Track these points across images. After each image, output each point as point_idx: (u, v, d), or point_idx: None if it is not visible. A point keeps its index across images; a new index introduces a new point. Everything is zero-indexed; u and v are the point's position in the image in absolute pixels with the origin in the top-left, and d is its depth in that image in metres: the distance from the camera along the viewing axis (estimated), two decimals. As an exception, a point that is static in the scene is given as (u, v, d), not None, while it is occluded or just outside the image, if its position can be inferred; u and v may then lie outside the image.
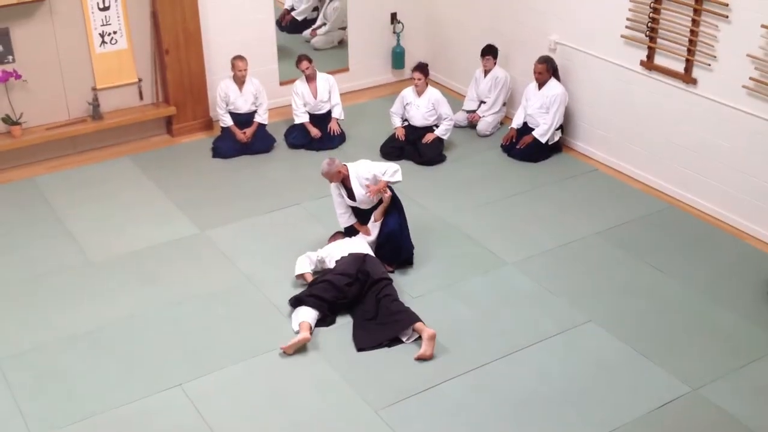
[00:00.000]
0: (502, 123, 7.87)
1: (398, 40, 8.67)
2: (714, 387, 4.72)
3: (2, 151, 7.00)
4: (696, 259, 5.89)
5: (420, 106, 7.29)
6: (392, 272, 5.68)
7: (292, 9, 9.07)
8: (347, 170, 5.65)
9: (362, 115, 8.11)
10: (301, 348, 5.02)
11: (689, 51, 6.24)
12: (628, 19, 6.63)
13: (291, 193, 6.78)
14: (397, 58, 8.73)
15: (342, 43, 8.70)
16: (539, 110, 7.19)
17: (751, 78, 5.87)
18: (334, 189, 5.75)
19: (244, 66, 7.26)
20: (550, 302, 5.45)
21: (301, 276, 5.57)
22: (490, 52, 7.66)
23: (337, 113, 7.58)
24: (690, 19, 6.17)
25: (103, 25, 7.21)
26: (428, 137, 7.28)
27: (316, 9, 9.03)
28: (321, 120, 7.55)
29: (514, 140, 7.34)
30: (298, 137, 7.53)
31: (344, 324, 5.26)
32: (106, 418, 4.54)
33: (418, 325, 5.04)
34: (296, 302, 5.26)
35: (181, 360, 4.95)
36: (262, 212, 6.52)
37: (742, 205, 6.18)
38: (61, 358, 4.98)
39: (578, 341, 5.10)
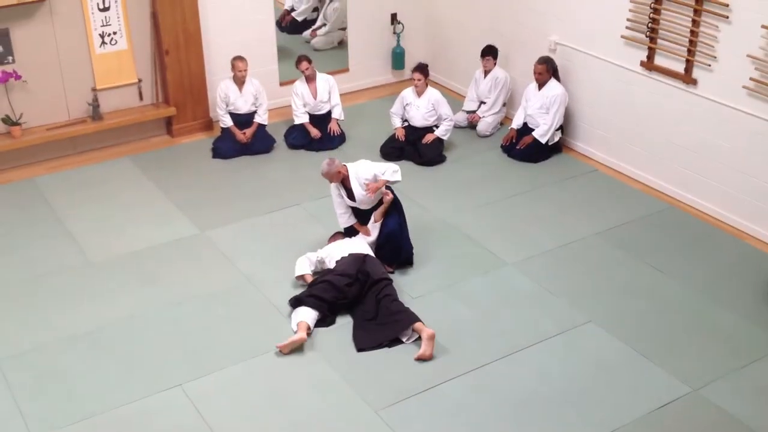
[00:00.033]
0: (502, 123, 7.87)
1: (398, 41, 8.67)
2: (714, 387, 4.72)
3: (2, 151, 7.00)
4: (696, 259, 5.89)
5: (420, 107, 7.29)
6: (392, 272, 5.68)
7: (292, 9, 9.07)
8: (347, 170, 5.64)
9: (362, 116, 8.11)
10: (300, 348, 5.02)
11: (689, 51, 6.24)
12: (628, 19, 6.63)
13: (291, 193, 6.78)
14: (397, 58, 8.73)
15: (342, 44, 8.70)
16: (539, 111, 7.19)
17: (751, 78, 5.87)
18: (334, 189, 5.75)
19: (244, 66, 7.26)
20: (550, 303, 5.45)
21: (301, 277, 5.57)
22: (490, 52, 7.66)
23: (337, 114, 7.58)
24: (690, 19, 6.17)
25: (103, 25, 7.21)
26: (428, 138, 7.28)
27: (316, 9, 9.03)
28: (321, 120, 7.55)
29: (514, 141, 7.34)
30: (298, 138, 7.53)
31: (344, 324, 5.25)
32: (106, 419, 4.53)
33: (417, 325, 5.04)
34: (296, 302, 5.26)
35: (181, 360, 4.95)
36: (262, 213, 6.51)
37: (742, 205, 6.18)
38: (61, 358, 4.98)
39: (578, 342, 5.09)
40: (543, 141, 7.19)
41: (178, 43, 7.43)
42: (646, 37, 6.53)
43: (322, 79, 7.51)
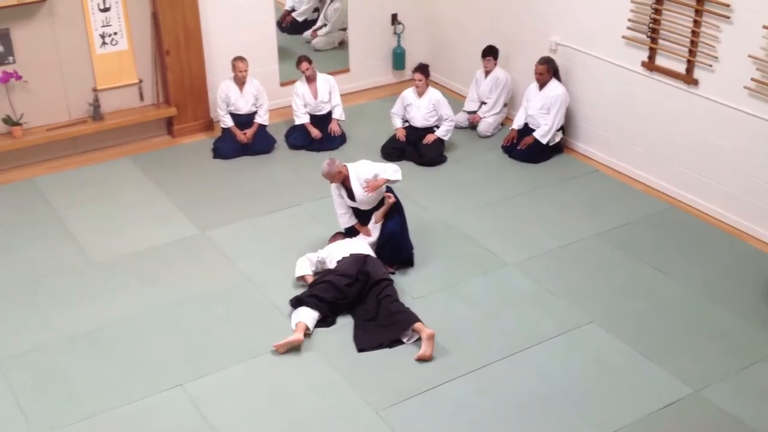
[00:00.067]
0: (502, 124, 7.86)
1: (399, 41, 8.67)
2: (716, 388, 4.71)
3: (3, 151, 7.00)
4: (697, 259, 5.88)
5: (421, 107, 7.29)
6: (393, 273, 5.67)
7: (293, 10, 9.07)
8: (347, 171, 5.64)
9: (363, 116, 8.11)
10: (297, 348, 5.01)
11: (690, 52, 6.24)
12: (629, 19, 6.62)
13: (291, 193, 6.78)
14: (398, 59, 8.73)
15: (342, 44, 8.70)
16: (540, 111, 7.19)
17: (752, 79, 5.86)
18: (335, 189, 5.75)
19: (245, 67, 7.26)
20: (550, 303, 5.44)
21: (302, 278, 5.57)
22: (490, 52, 7.66)
23: (338, 114, 7.57)
24: (691, 19, 6.16)
25: (103, 26, 7.21)
26: (429, 138, 7.28)
27: (316, 10, 9.03)
28: (321, 121, 7.55)
29: (515, 141, 7.34)
30: (299, 138, 7.53)
31: (345, 324, 5.25)
32: (107, 418, 4.53)
33: (417, 325, 5.03)
34: (297, 303, 5.26)
35: (182, 360, 4.95)
36: (262, 213, 6.51)
37: (743, 205, 6.18)
38: (62, 358, 4.98)
39: (579, 342, 5.09)
40: (544, 141, 7.18)
41: (179, 44, 7.42)
42: (647, 37, 6.53)
43: (323, 80, 7.51)
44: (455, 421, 4.51)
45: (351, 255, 5.47)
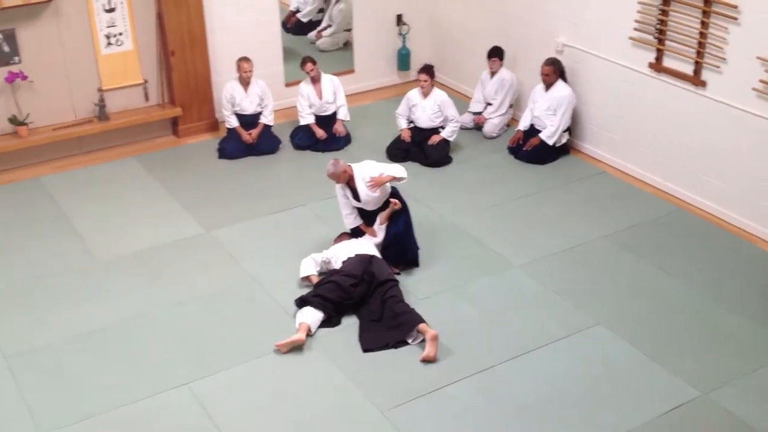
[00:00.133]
0: (508, 125, 7.84)
1: (404, 42, 8.65)
2: (724, 391, 4.68)
3: (9, 151, 7.01)
4: (704, 261, 5.86)
5: (426, 108, 7.27)
6: (398, 273, 5.65)
7: (298, 11, 9.08)
8: (352, 171, 5.63)
9: (368, 117, 8.10)
10: (300, 348, 5.01)
11: (698, 53, 6.21)
12: (636, 20, 6.60)
13: (296, 194, 6.77)
14: (403, 59, 8.72)
15: (347, 45, 8.69)
16: (546, 112, 7.16)
17: (760, 80, 5.83)
18: (339, 190, 5.74)
19: (250, 67, 7.25)
20: (556, 305, 5.41)
21: (307, 278, 5.56)
22: (496, 53, 7.64)
23: (343, 115, 7.56)
24: (699, 21, 6.13)
25: (108, 26, 7.21)
26: (434, 139, 7.26)
27: (321, 11, 9.03)
28: (326, 121, 7.54)
29: (520, 142, 7.31)
30: (304, 138, 7.52)
31: (350, 325, 5.23)
32: (113, 417, 4.52)
33: (421, 326, 5.02)
34: (301, 303, 5.25)
35: (188, 360, 4.94)
36: (267, 213, 6.50)
37: (751, 207, 6.14)
38: (69, 357, 4.97)
39: (585, 344, 5.06)
40: (550, 143, 7.16)
41: (184, 44, 7.42)
42: (655, 38, 6.50)
43: (327, 80, 7.50)
44: (460, 422, 4.49)
45: (356, 255, 5.45)
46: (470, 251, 6.00)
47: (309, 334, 5.09)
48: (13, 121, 6.98)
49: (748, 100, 5.95)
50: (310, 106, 7.48)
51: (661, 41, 6.47)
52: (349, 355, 4.99)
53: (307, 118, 7.48)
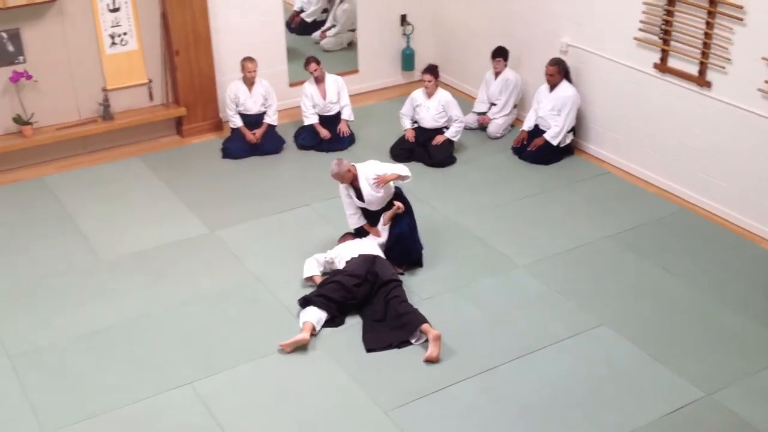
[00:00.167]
0: (513, 125, 7.83)
1: (408, 42, 8.65)
2: (728, 391, 4.67)
3: (13, 150, 7.02)
4: (708, 262, 5.84)
5: (430, 108, 7.27)
6: (402, 274, 5.65)
7: (302, 11, 9.08)
8: (356, 171, 5.63)
9: (372, 117, 8.10)
10: (303, 347, 5.01)
11: (703, 54, 6.19)
12: (641, 21, 6.59)
13: (300, 194, 6.77)
14: (407, 59, 8.71)
15: (351, 45, 8.69)
16: (551, 112, 7.16)
17: (766, 81, 5.82)
18: (343, 190, 5.74)
19: (254, 67, 7.26)
20: (560, 305, 5.41)
21: (310, 279, 5.56)
22: (500, 53, 7.63)
23: (347, 115, 7.56)
24: (704, 21, 6.12)
25: (113, 26, 7.22)
26: (438, 139, 7.26)
27: (325, 11, 9.04)
28: (330, 121, 7.54)
29: (525, 142, 7.31)
30: (308, 138, 7.52)
31: (353, 325, 5.23)
32: (117, 417, 4.53)
33: (424, 326, 5.02)
34: (305, 302, 5.25)
35: (192, 359, 4.94)
36: (271, 213, 6.50)
37: (755, 208, 6.13)
38: (73, 356, 4.98)
39: (589, 344, 5.05)
40: (554, 143, 7.15)
41: (188, 44, 7.43)
42: (659, 39, 6.49)
43: (331, 80, 7.50)
44: (464, 422, 4.49)
45: (360, 255, 5.45)
46: (474, 251, 6.00)
47: (313, 334, 5.09)
48: (18, 120, 7.00)
49: (753, 100, 5.94)
50: (314, 106, 7.48)
51: (666, 42, 6.46)
52: (352, 355, 4.99)
53: (311, 118, 7.48)
